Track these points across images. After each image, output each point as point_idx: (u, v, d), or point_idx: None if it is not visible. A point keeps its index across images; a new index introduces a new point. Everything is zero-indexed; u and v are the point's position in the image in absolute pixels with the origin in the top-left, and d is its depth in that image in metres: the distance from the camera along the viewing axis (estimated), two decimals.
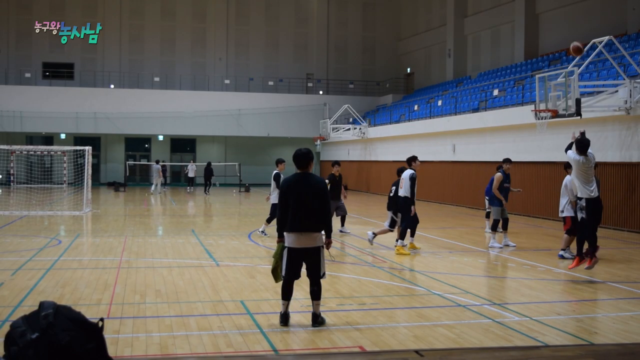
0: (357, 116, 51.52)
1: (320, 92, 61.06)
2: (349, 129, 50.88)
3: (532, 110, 25.79)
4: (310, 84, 62.25)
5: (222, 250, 18.51)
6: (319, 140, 53.53)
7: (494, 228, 19.80)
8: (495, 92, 36.21)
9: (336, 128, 51.48)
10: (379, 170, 47.94)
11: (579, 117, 23.17)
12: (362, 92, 62.16)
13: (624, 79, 24.00)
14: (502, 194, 19.69)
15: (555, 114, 23.86)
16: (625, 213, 24.67)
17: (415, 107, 45.68)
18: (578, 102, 22.77)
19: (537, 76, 25.85)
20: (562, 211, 17.49)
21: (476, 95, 39.35)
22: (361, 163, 51.84)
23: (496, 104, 34.92)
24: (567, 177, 17.41)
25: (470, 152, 35.17)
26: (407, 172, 18.35)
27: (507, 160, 20.35)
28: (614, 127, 25.21)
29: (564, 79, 23.48)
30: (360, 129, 50.12)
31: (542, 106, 24.76)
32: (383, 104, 58.35)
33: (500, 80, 40.18)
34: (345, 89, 61.96)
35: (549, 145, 28.49)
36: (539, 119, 24.90)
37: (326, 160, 57.62)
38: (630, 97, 23.39)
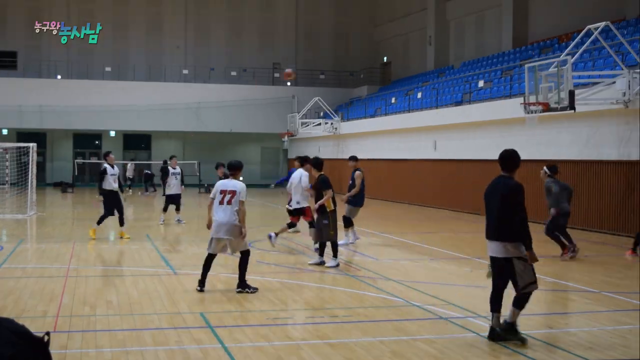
0: (329, 110, 51.52)
1: (288, 84, 60.89)
2: (319, 124, 50.88)
3: (521, 104, 25.82)
4: (277, 75, 62.01)
5: (180, 258, 18.48)
6: (286, 137, 53.50)
7: None
8: (481, 84, 36.30)
9: (305, 123, 51.42)
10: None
11: (572, 111, 23.21)
12: (334, 84, 62.05)
13: (622, 69, 24.06)
14: None
15: (547, 108, 23.90)
16: (624, 216, 24.68)
17: (393, 100, 45.73)
18: (571, 95, 22.83)
19: (526, 66, 25.93)
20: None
21: (459, 86, 39.47)
22: (333, 161, 51.65)
23: (481, 97, 35.02)
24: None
25: (453, 149, 35.23)
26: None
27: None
28: (611, 121, 25.31)
29: (556, 69, 23.52)
30: (332, 123, 50.07)
31: (532, 99, 24.79)
32: (357, 97, 58.37)
33: (486, 70, 40.34)
34: (316, 79, 61.84)
35: (539, 141, 28.57)
36: (528, 113, 24.99)
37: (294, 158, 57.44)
38: (629, 88, 23.31)
